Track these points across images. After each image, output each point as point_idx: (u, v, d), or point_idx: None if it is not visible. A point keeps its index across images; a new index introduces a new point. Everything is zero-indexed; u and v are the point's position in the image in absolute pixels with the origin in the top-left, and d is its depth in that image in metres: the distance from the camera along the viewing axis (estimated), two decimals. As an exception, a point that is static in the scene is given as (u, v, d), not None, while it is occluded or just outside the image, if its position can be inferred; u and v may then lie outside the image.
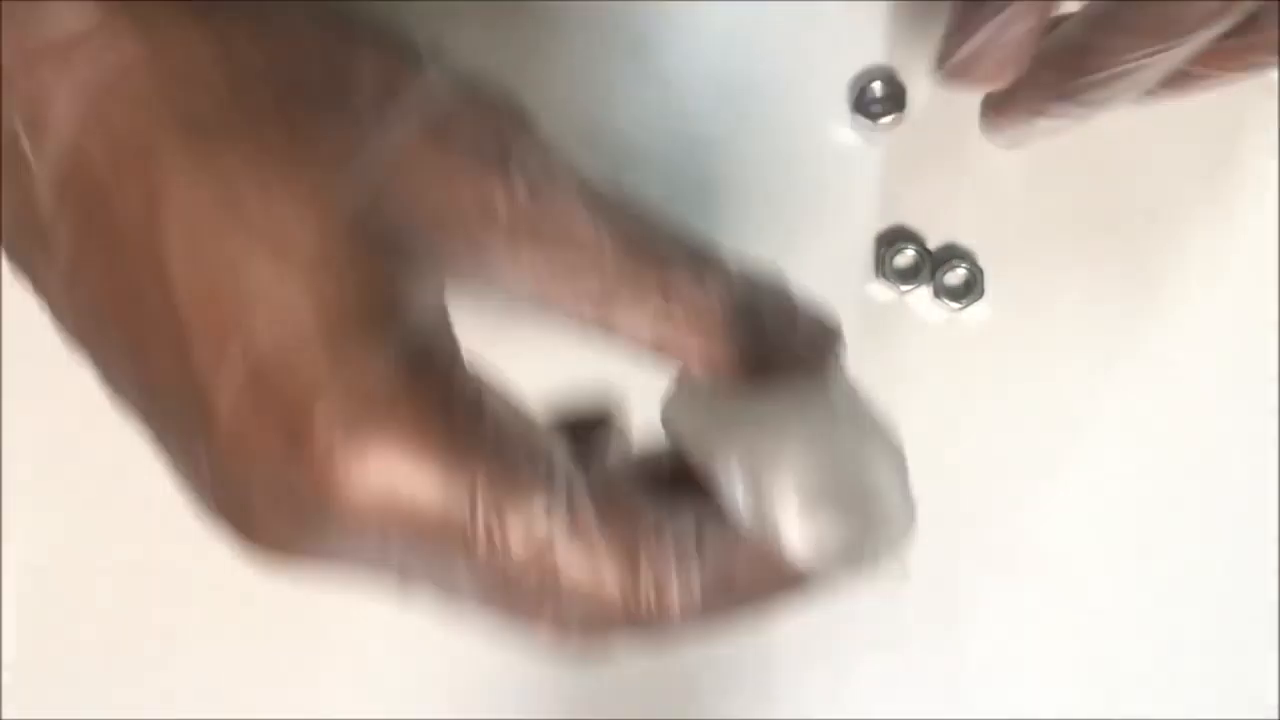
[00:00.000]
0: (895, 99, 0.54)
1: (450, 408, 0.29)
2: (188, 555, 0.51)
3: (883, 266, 0.54)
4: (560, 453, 0.30)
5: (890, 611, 0.52)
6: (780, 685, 0.52)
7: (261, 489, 0.29)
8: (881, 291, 0.54)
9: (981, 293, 0.53)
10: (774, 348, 0.34)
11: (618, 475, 0.31)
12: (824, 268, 0.54)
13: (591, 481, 0.30)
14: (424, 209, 0.29)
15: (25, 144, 0.27)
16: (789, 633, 0.52)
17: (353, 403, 0.28)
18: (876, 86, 0.54)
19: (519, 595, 0.30)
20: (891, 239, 0.54)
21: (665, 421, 0.33)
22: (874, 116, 0.54)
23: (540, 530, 0.29)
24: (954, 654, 0.52)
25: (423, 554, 0.30)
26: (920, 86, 0.54)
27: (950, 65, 0.43)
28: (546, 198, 0.31)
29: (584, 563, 0.29)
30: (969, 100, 0.49)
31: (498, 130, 0.31)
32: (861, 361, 0.56)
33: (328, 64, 0.29)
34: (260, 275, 0.28)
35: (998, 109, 0.46)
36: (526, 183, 0.30)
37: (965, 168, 0.54)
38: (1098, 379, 0.54)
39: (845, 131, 0.54)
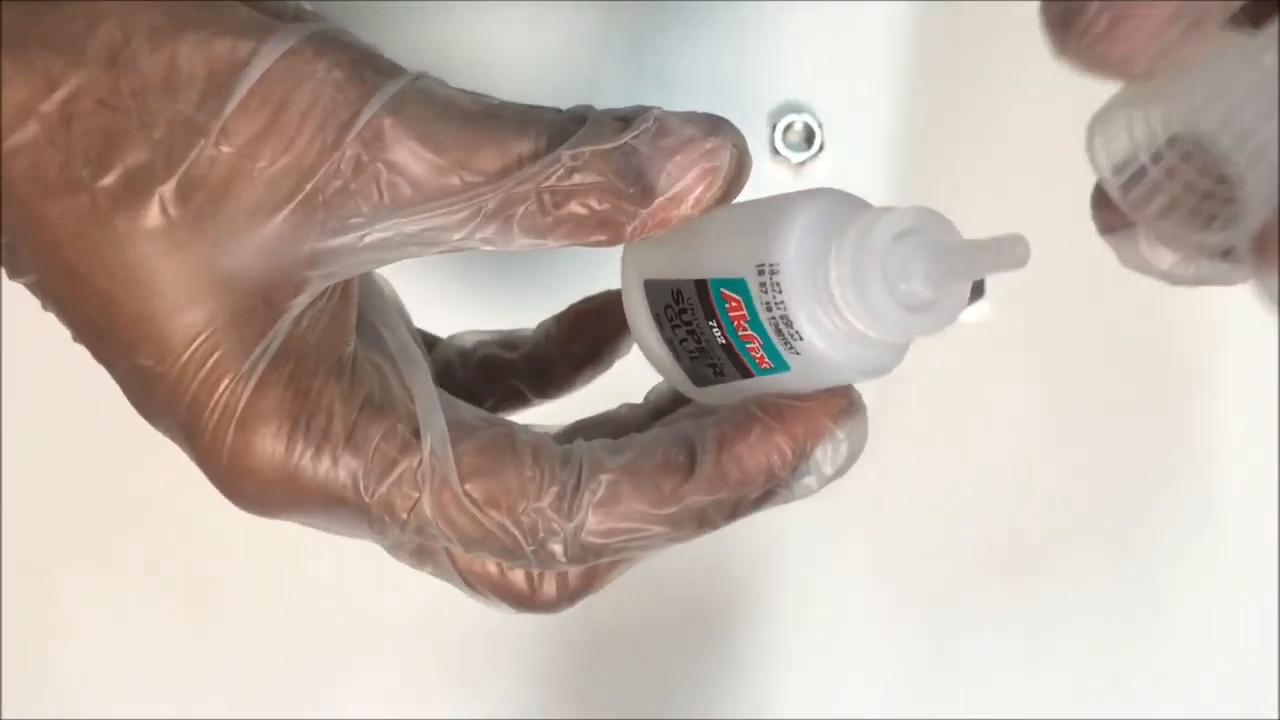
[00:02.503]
0: (810, 136, 0.54)
1: (311, 405, 0.33)
2: (186, 554, 0.51)
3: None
4: (435, 420, 0.34)
5: (889, 608, 0.52)
6: (775, 687, 0.52)
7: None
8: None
9: (982, 292, 0.53)
10: None
11: (499, 429, 0.35)
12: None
13: (467, 442, 0.34)
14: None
15: None
16: (787, 635, 0.52)
17: (229, 405, 0.33)
18: (796, 123, 0.54)
19: (430, 549, 0.36)
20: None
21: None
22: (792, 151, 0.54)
23: (410, 501, 0.34)
24: (954, 652, 0.52)
25: (337, 525, 0.35)
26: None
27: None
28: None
29: (459, 519, 0.34)
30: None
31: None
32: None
33: None
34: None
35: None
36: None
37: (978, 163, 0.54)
38: (1097, 379, 0.54)
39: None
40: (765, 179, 0.54)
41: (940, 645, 0.52)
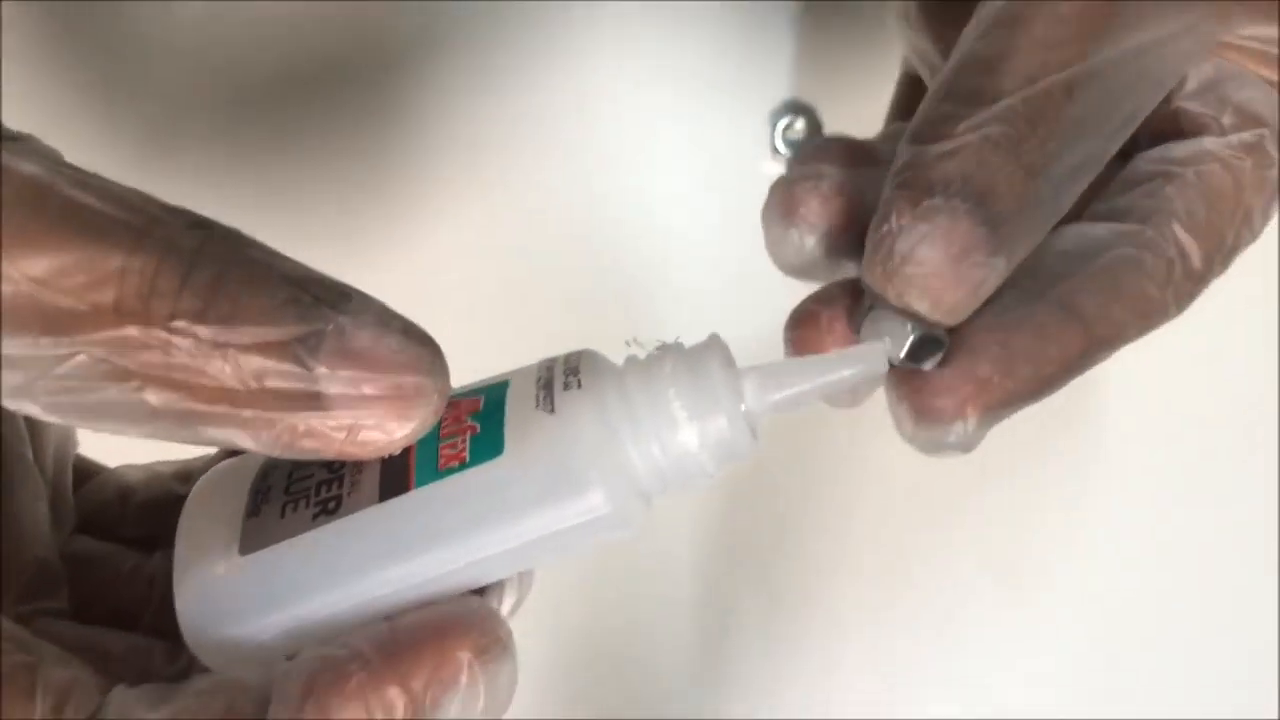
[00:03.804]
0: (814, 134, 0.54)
1: None
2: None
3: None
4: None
5: (887, 614, 0.52)
6: (774, 685, 0.52)
7: None
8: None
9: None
10: None
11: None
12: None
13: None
14: None
15: None
16: (782, 632, 0.52)
17: None
18: (796, 124, 0.54)
19: None
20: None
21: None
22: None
23: None
24: (953, 655, 0.52)
25: None
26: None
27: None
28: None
29: None
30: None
31: None
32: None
33: None
34: None
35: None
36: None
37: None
38: (1095, 382, 0.54)
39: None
40: (766, 179, 0.55)
41: (940, 647, 0.52)
